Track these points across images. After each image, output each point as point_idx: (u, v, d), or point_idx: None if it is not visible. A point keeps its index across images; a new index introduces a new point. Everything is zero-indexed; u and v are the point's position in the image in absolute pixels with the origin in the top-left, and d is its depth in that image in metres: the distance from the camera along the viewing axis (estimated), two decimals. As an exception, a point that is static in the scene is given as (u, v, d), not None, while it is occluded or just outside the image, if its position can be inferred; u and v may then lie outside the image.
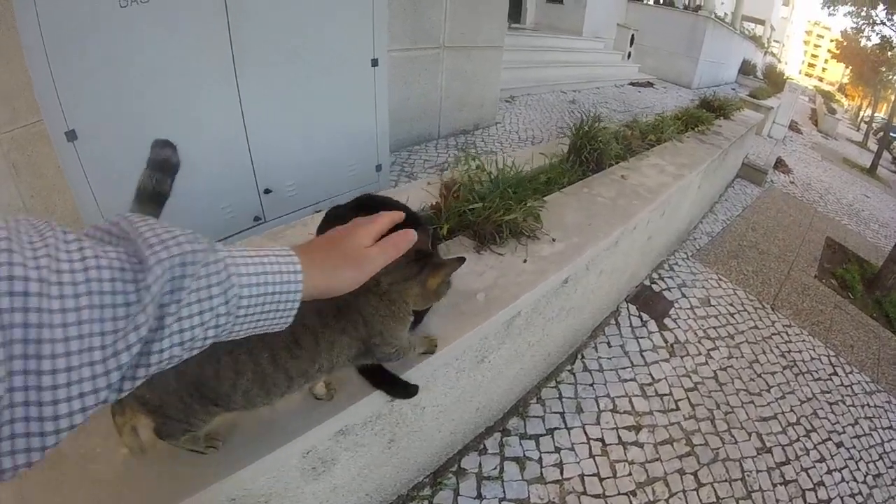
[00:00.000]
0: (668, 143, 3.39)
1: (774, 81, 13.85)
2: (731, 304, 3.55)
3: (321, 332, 0.88)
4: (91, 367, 0.38)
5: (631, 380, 2.64)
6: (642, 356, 2.81)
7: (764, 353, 3.23)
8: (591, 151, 2.55)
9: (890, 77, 19.97)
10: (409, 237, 0.73)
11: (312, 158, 3.09)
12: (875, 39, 16.89)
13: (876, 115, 23.37)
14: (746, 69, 18.93)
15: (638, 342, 2.88)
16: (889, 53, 19.06)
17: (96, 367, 0.39)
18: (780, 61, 31.90)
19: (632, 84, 9.58)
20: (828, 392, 3.15)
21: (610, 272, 2.46)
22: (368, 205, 1.25)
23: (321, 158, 3.15)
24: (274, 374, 0.84)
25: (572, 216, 2.04)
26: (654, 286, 3.40)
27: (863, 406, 3.21)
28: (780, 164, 8.24)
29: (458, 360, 1.53)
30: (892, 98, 17.50)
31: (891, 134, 17.09)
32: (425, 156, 4.35)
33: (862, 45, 21.58)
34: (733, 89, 14.52)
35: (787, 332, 3.55)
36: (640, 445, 2.33)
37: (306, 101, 2.91)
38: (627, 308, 3.09)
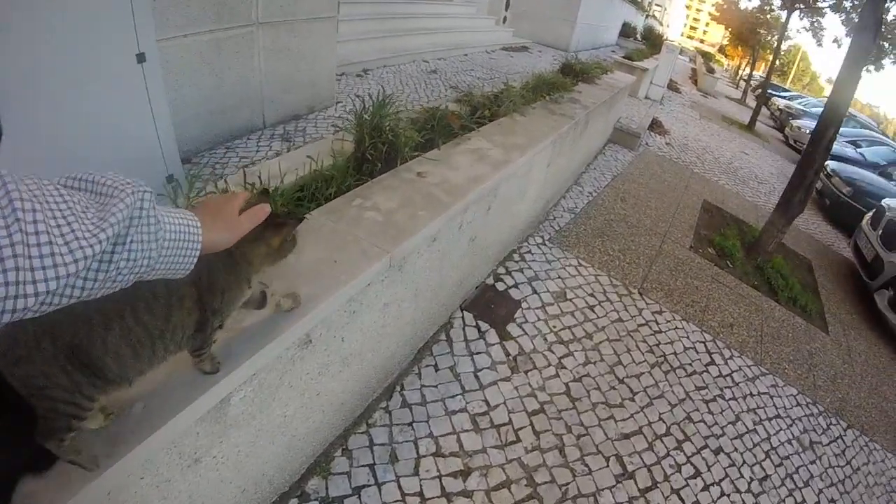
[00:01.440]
0: (506, 119, 2.92)
1: (654, 43, 13.97)
2: (591, 295, 3.17)
3: (172, 284, 0.91)
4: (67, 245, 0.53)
5: (461, 410, 2.17)
6: (477, 378, 2.34)
7: (628, 351, 2.88)
8: (377, 145, 2.02)
9: (768, 38, 20.89)
10: (266, 209, 0.94)
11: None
12: (756, 2, 17.44)
13: (754, 73, 24.54)
14: (627, 32, 19.20)
15: (473, 360, 2.42)
16: (768, 16, 20.13)
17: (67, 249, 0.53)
18: (661, 24, 32.93)
19: (504, 49, 9.17)
20: (703, 388, 2.86)
21: (409, 298, 1.97)
22: None
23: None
24: (135, 329, 0.88)
25: (313, 251, 1.49)
26: (498, 284, 2.94)
27: (745, 397, 2.96)
28: (655, 125, 8.18)
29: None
30: (770, 58, 18.32)
31: (768, 91, 17.99)
32: (243, 152, 3.64)
33: (742, 6, 22.59)
34: (613, 52, 14.60)
35: (656, 321, 3.24)
36: (469, 495, 1.90)
37: (63, 115, 2.32)
38: (462, 318, 2.61)
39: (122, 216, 0.59)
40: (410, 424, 2.06)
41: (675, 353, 3.02)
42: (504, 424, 2.19)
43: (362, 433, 1.96)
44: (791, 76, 54.56)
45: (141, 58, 2.51)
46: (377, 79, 5.76)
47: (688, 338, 3.22)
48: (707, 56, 28.32)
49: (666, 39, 16.23)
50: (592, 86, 4.62)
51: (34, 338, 0.79)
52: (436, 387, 2.24)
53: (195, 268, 0.87)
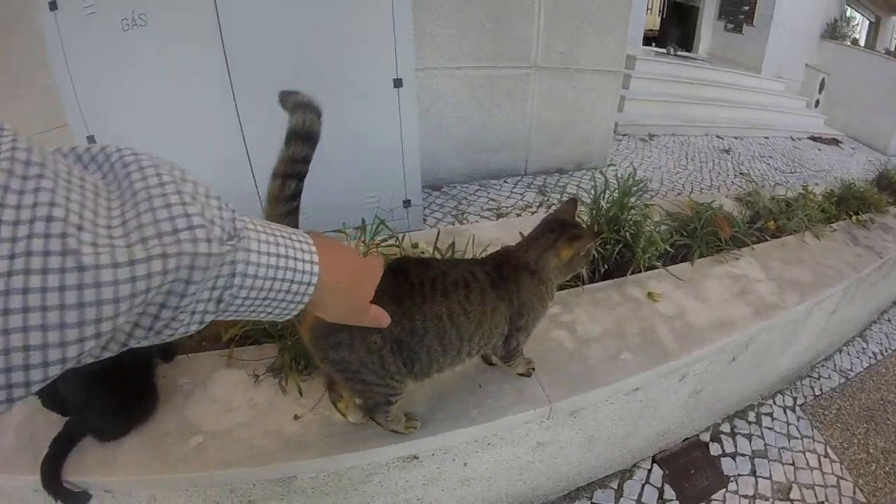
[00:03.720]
0: (793, 238, 2.23)
1: None
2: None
3: (488, 292, 0.98)
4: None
5: None
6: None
7: None
8: (609, 242, 1.65)
9: None
10: (380, 263, 0.72)
11: (321, 186, 2.68)
12: None
13: None
14: None
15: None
16: None
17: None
18: None
19: (812, 139, 7.65)
20: None
21: (578, 443, 1.54)
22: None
23: (332, 187, 2.75)
24: (450, 331, 0.94)
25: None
26: (712, 445, 2.25)
27: None
28: None
29: None
30: None
31: None
32: (495, 193, 3.57)
33: None
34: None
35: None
36: None
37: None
38: (649, 471, 1.99)
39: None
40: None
41: None
42: None
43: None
44: None
45: (398, 83, 2.62)
46: (662, 147, 5.26)
47: None
48: None
49: None
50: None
51: (361, 329, 0.84)
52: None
53: (506, 288, 0.99)
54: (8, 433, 1.20)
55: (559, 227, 1.05)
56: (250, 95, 2.42)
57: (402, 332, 0.90)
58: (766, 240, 2.19)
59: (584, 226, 1.11)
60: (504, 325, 1.03)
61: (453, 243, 1.66)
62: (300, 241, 0.53)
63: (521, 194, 3.63)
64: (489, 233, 1.91)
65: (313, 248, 0.54)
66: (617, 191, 1.82)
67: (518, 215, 3.33)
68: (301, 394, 1.23)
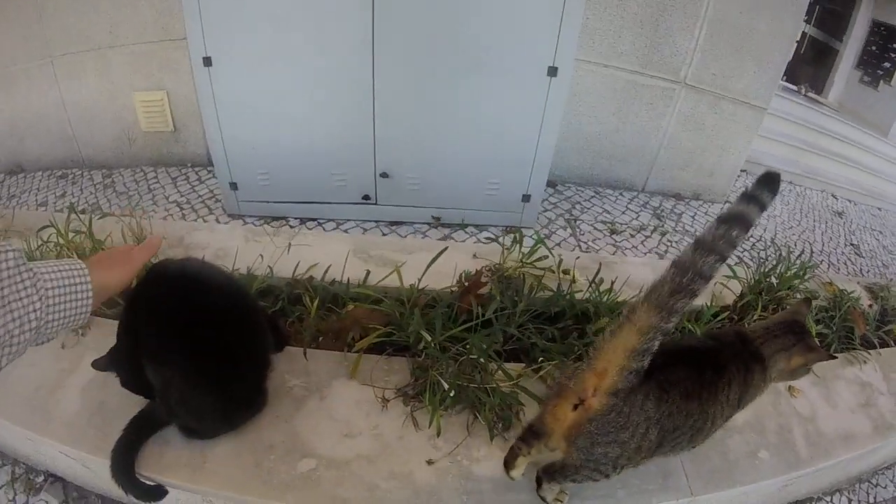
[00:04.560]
0: None
1: None
2: None
3: (740, 383, 0.96)
4: None
5: None
6: None
7: None
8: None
9: None
10: (157, 242, 0.99)
11: (444, 162, 2.72)
12: None
13: None
14: None
15: None
16: None
17: None
18: None
19: None
20: None
21: None
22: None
23: (455, 165, 2.73)
24: (706, 428, 0.95)
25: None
26: None
27: None
28: None
29: None
30: None
31: None
32: (609, 205, 3.41)
33: None
34: None
35: None
36: None
37: (450, 97, 2.54)
38: None
39: None
40: None
41: None
42: None
43: None
44: None
45: (552, 71, 2.47)
46: (778, 195, 4.92)
47: None
48: None
49: None
50: None
51: (641, 429, 0.88)
52: None
53: (745, 379, 0.97)
54: (72, 395, 1.09)
55: (800, 332, 1.02)
56: (390, 52, 2.35)
57: (672, 427, 0.91)
58: (889, 345, 2.02)
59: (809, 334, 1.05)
60: (728, 413, 1.01)
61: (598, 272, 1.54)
62: (76, 272, 0.74)
63: (636, 213, 3.45)
64: (640, 272, 1.79)
65: (88, 280, 0.75)
66: (787, 266, 1.72)
67: (632, 236, 3.15)
68: (439, 433, 1.10)
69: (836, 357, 1.09)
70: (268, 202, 2.81)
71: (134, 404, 1.05)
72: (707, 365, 0.95)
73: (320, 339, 1.40)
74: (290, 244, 1.77)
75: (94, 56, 3.01)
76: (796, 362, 1.00)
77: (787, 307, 1.19)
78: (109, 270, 0.85)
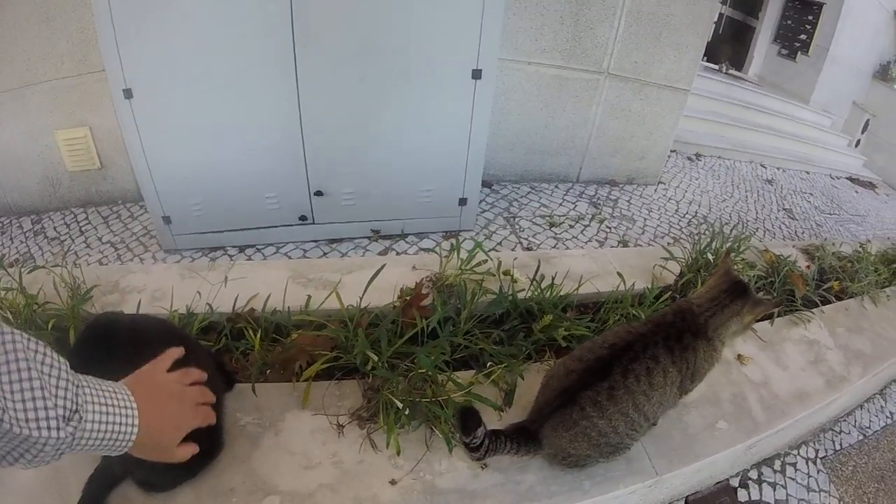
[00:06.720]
0: (854, 303, 2.18)
1: None
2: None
3: (670, 373, 1.02)
4: None
5: None
6: None
7: None
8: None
9: None
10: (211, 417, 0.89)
11: (377, 174, 2.70)
12: None
13: None
14: None
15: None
16: None
17: None
18: None
19: (850, 179, 7.45)
20: None
21: None
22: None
23: (388, 176, 2.71)
24: (637, 420, 1.04)
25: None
26: (740, 492, 2.13)
27: None
28: None
29: None
30: None
31: None
32: (546, 199, 3.47)
33: None
34: None
35: None
36: None
37: (377, 108, 2.51)
38: None
39: None
40: None
41: None
42: None
43: None
44: None
45: (477, 74, 2.49)
46: (708, 169, 5.11)
47: None
48: None
49: None
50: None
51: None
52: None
53: (685, 359, 1.02)
54: (25, 462, 1.06)
55: (743, 291, 1.08)
56: (312, 67, 2.31)
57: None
58: (831, 301, 2.16)
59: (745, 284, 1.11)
60: (676, 389, 1.08)
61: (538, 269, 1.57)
62: (125, 407, 0.67)
63: (573, 203, 3.52)
64: (580, 263, 1.83)
65: (135, 419, 0.68)
66: (723, 240, 1.80)
67: (571, 227, 3.22)
68: (398, 452, 1.11)
69: (781, 303, 1.22)
70: (203, 233, 2.73)
71: (88, 463, 1.01)
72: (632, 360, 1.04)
73: (268, 371, 1.38)
74: (226, 277, 1.74)
75: (11, 97, 2.88)
76: (748, 319, 1.08)
77: (714, 270, 1.25)
78: (160, 424, 0.75)
